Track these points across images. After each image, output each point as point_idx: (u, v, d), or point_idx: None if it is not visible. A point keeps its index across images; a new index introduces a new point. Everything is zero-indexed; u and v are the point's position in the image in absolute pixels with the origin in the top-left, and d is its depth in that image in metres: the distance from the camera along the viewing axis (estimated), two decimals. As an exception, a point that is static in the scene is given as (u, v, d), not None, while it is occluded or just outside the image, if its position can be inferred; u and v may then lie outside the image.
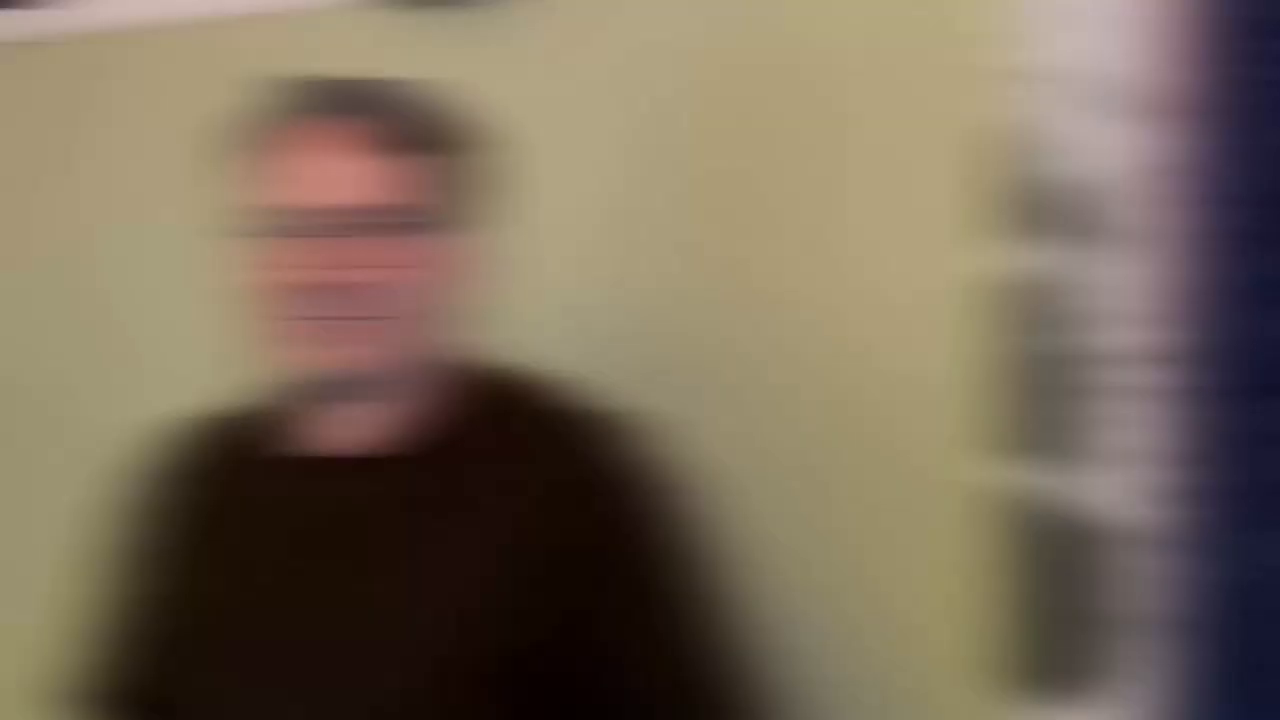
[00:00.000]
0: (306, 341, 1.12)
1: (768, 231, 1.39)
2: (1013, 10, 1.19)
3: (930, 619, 1.28)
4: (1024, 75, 1.17)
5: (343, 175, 1.13)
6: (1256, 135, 1.12)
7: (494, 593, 1.09)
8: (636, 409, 1.21)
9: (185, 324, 1.72)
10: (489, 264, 1.20)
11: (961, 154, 1.24)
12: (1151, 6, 1.14)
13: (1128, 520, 1.16)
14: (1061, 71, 1.16)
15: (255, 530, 1.19)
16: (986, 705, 1.22)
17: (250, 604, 1.16)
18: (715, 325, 1.42)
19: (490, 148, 1.20)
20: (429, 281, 1.14)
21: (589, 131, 1.48)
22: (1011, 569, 1.21)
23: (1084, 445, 1.18)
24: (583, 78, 1.49)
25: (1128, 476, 1.17)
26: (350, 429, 1.16)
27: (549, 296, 1.48)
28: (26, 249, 1.89)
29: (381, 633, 1.10)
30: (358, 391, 1.14)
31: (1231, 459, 1.15)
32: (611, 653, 1.11)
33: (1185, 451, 1.16)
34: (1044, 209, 1.17)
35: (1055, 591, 1.19)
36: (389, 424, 1.15)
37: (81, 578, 1.35)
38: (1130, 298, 1.16)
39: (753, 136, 1.40)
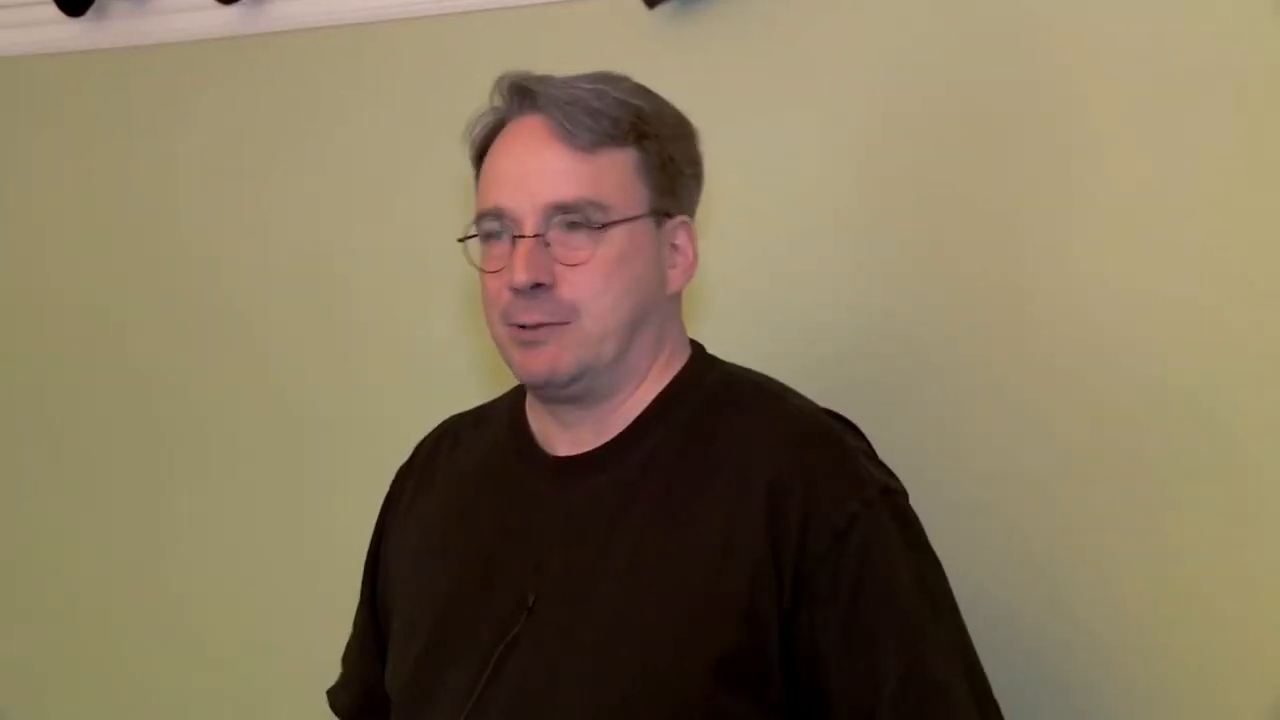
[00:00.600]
0: (521, 346, 1.14)
1: (1007, 240, 1.41)
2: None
3: (1248, 618, 1.29)
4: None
5: (542, 173, 1.13)
6: None
7: (717, 592, 1.09)
8: (861, 418, 1.22)
9: (425, 321, 1.78)
10: (697, 264, 1.20)
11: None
12: None
13: None
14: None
15: (488, 528, 1.21)
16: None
17: (464, 597, 1.19)
18: (957, 335, 1.44)
19: (697, 143, 1.20)
20: (635, 281, 1.14)
21: (820, 139, 1.52)
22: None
23: None
24: (816, 87, 1.53)
25: None
26: (579, 430, 1.18)
27: (780, 303, 1.53)
28: (266, 244, 1.95)
29: (611, 629, 1.11)
30: (577, 393, 1.15)
31: None
32: (829, 652, 1.09)
33: None
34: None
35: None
36: (616, 424, 1.17)
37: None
38: None
39: (992, 148, 1.42)
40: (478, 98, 1.20)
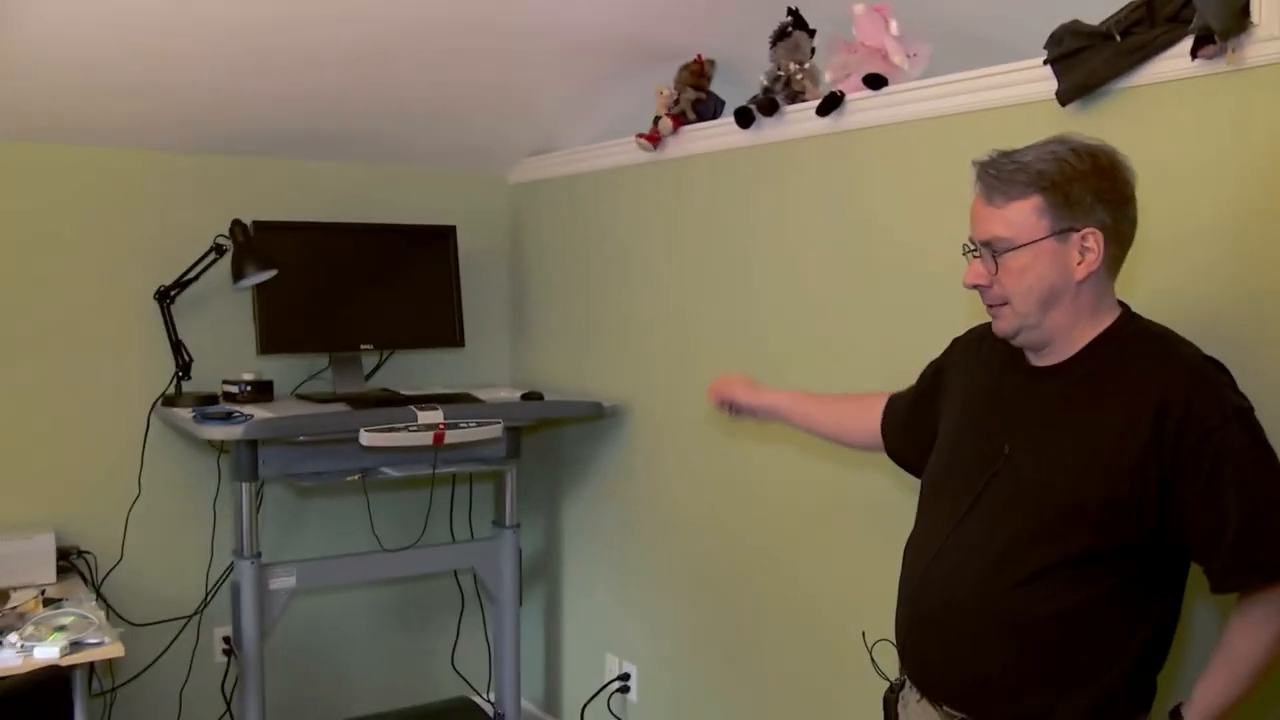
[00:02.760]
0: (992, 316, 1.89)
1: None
2: None
3: None
4: None
5: (978, 217, 1.84)
6: None
7: (1106, 458, 1.73)
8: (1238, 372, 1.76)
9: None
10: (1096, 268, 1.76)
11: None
12: None
13: None
14: None
15: (990, 400, 1.94)
16: None
17: (971, 439, 1.93)
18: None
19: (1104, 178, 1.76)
20: (1044, 276, 1.76)
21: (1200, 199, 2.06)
22: None
23: None
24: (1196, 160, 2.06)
25: None
26: (1036, 356, 1.87)
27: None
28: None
29: (1052, 470, 1.78)
30: (1024, 340, 1.85)
31: None
32: (1189, 509, 1.69)
33: None
34: None
35: None
36: (1067, 353, 1.82)
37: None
38: None
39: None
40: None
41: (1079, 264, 1.76)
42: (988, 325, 1.96)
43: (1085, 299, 1.79)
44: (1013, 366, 1.90)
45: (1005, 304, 1.82)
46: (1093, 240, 1.75)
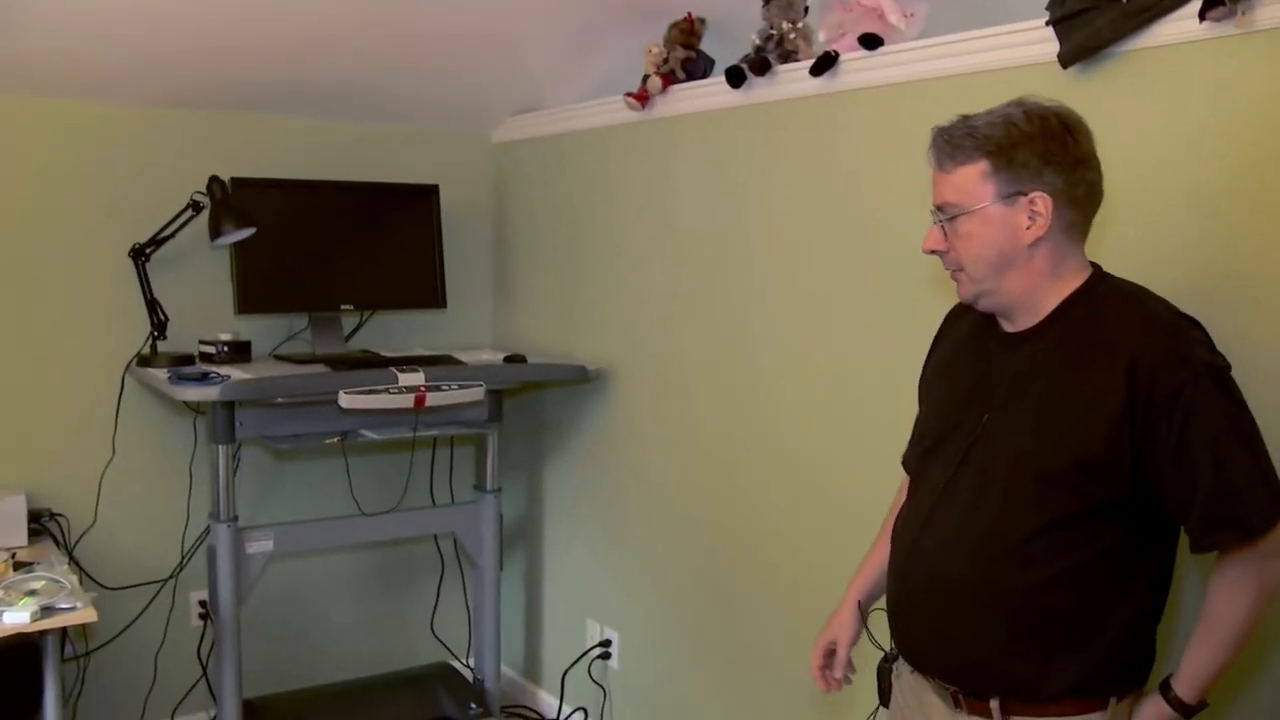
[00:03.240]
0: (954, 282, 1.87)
1: None
2: None
3: None
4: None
5: (933, 183, 1.83)
6: None
7: (1079, 421, 1.72)
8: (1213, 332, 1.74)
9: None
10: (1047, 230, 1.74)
11: None
12: None
13: None
14: None
15: (968, 370, 1.92)
16: None
17: (951, 410, 1.92)
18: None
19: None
20: (992, 241, 1.75)
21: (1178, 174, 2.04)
22: None
23: None
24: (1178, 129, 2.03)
25: None
26: (1007, 322, 1.86)
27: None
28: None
29: (1027, 435, 1.77)
30: (986, 305, 1.85)
31: None
32: (1163, 468, 1.68)
33: None
34: None
35: None
36: (1037, 318, 1.80)
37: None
38: None
39: None
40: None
41: (1028, 228, 1.75)
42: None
43: (1041, 262, 1.77)
44: (988, 334, 1.90)
45: (961, 269, 1.82)
46: (1041, 204, 1.73)
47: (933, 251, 1.85)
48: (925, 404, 2.03)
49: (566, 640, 3.92)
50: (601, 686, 3.73)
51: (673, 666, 3.42)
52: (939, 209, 1.81)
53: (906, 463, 2.11)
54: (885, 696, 2.07)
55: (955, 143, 1.76)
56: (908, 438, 2.07)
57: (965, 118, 1.78)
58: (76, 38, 2.98)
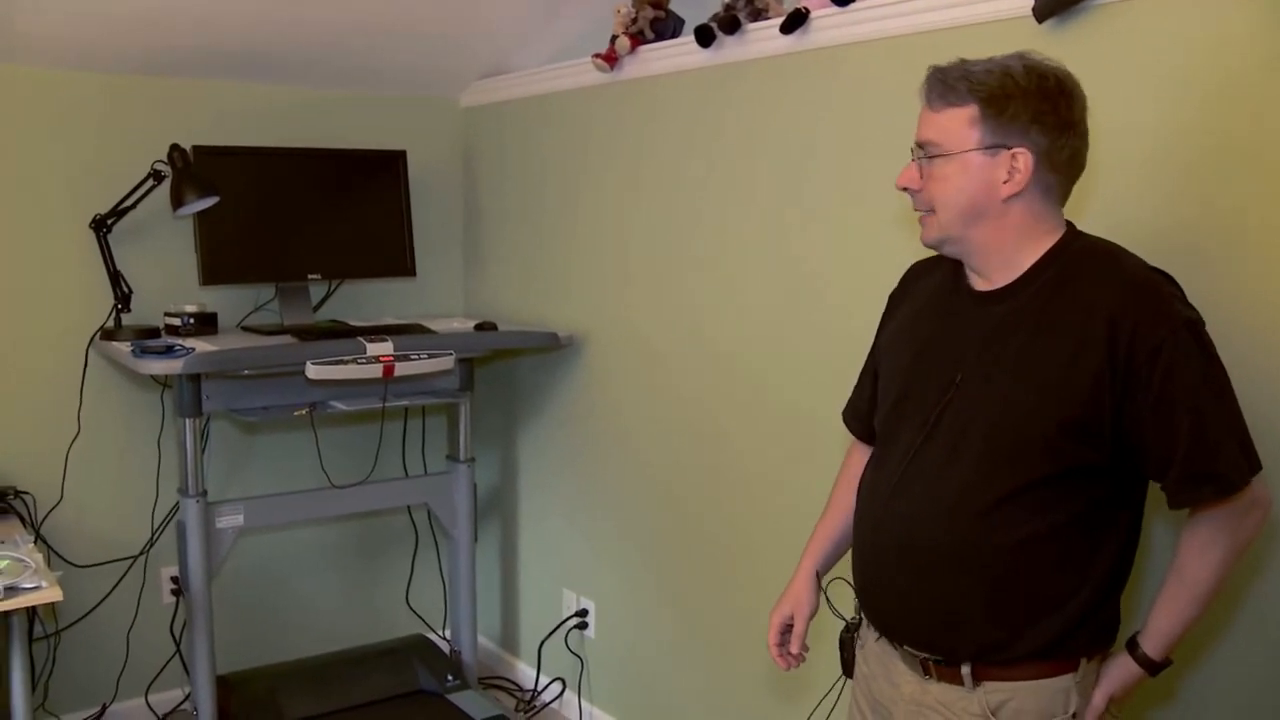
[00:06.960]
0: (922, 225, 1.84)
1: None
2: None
3: None
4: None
5: (920, 119, 1.79)
6: None
7: (1058, 380, 1.70)
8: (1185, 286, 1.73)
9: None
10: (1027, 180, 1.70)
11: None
12: None
13: None
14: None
15: (936, 330, 1.88)
16: None
17: (920, 371, 1.88)
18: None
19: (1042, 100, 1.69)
20: (965, 189, 1.73)
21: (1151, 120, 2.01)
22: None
23: None
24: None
25: None
26: (976, 277, 1.83)
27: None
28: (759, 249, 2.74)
29: (1003, 397, 1.74)
30: (955, 254, 1.82)
31: None
32: (1144, 423, 1.66)
33: None
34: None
35: None
36: (1012, 275, 1.78)
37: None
38: None
39: None
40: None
41: (1005, 182, 1.72)
42: (929, 260, 1.93)
43: (1014, 219, 1.75)
44: (957, 292, 1.86)
45: (931, 211, 1.79)
46: (1022, 160, 1.70)
47: (905, 188, 1.82)
48: (886, 364, 1.99)
49: (543, 610, 3.89)
50: (579, 656, 3.71)
51: (649, 636, 3.40)
52: (920, 145, 1.78)
53: (854, 421, 2.11)
54: (849, 667, 2.04)
55: (949, 83, 1.73)
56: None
57: (964, 61, 1.76)
58: (31, 2, 2.90)
